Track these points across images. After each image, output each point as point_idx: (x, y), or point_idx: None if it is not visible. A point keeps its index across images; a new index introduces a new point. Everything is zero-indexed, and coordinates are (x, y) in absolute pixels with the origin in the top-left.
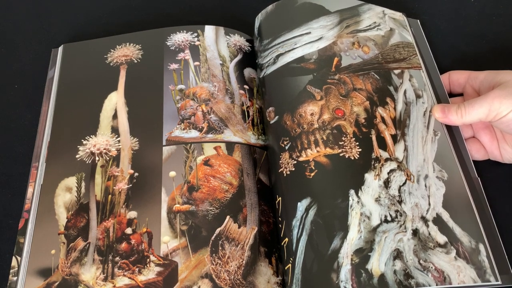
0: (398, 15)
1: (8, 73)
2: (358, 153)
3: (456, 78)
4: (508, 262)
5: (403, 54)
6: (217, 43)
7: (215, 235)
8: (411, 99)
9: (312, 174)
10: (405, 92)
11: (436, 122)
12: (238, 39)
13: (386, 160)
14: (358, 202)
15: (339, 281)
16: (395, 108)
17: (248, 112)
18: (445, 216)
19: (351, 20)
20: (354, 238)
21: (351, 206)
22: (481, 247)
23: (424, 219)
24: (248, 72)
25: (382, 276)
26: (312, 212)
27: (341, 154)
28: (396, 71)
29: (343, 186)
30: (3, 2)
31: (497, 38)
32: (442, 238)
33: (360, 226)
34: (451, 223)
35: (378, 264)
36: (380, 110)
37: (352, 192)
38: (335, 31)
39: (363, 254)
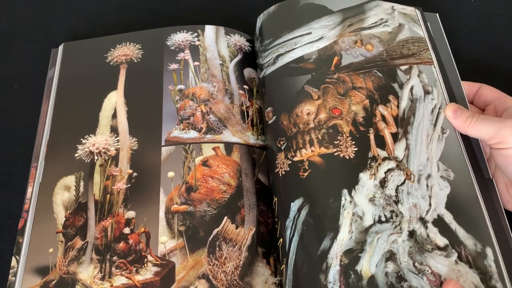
0: (410, 10)
1: (8, 73)
2: (354, 152)
3: (485, 93)
4: None
5: (412, 50)
6: (217, 43)
7: (212, 235)
8: (418, 95)
9: (306, 174)
10: (412, 88)
11: (445, 120)
12: (238, 39)
13: (384, 159)
14: (350, 201)
15: (327, 282)
16: (398, 106)
17: (247, 112)
18: (448, 217)
19: (355, 19)
20: (344, 239)
21: (343, 206)
22: (489, 251)
23: (422, 220)
24: (248, 72)
25: (372, 278)
26: (304, 212)
27: (335, 154)
28: (403, 67)
29: (336, 186)
30: (3, 2)
31: (497, 38)
32: (442, 241)
33: (352, 226)
34: (454, 225)
35: (368, 265)
36: (380, 108)
37: (345, 191)
38: (336, 31)
39: (353, 255)
